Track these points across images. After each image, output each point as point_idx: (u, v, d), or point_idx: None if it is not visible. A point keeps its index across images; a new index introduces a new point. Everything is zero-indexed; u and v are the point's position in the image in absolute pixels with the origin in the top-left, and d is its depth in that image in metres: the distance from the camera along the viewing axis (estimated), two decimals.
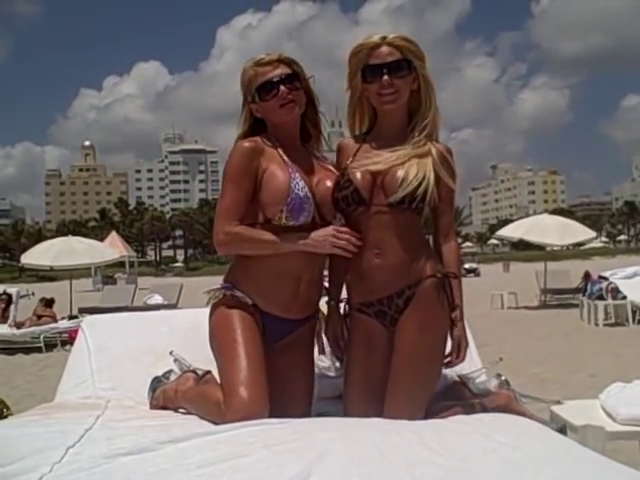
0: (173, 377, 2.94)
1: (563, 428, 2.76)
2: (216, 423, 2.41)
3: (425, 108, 2.69)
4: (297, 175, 2.64)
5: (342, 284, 2.78)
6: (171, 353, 3.08)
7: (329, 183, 2.70)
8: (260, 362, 2.56)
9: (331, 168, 2.79)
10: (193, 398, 2.74)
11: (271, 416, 2.44)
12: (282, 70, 2.68)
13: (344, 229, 2.62)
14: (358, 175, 2.61)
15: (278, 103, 2.66)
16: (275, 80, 2.66)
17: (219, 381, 2.65)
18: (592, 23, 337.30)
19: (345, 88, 2.77)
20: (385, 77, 2.60)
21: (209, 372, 2.81)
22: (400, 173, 2.57)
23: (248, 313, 2.66)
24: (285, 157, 2.67)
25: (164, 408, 2.84)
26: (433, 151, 2.64)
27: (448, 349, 2.67)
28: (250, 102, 2.74)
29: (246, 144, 2.66)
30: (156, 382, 2.96)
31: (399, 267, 2.59)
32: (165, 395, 2.86)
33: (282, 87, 2.65)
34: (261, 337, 2.66)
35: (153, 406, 2.90)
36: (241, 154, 2.64)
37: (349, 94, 2.77)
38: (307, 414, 2.70)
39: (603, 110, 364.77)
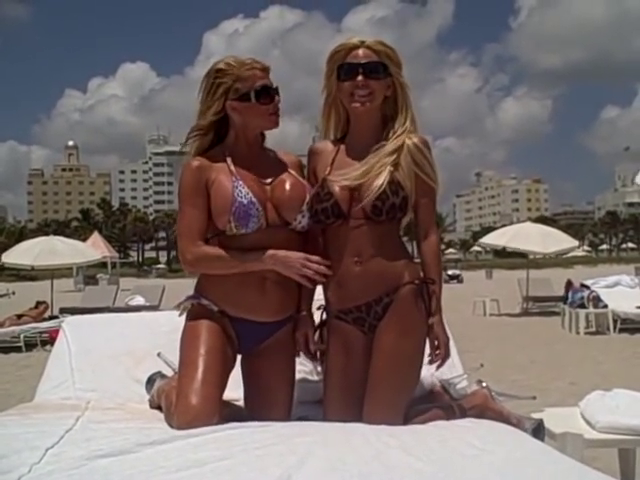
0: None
1: (541, 423, 2.77)
2: (172, 426, 2.44)
3: (401, 115, 2.71)
4: (240, 183, 2.64)
5: (312, 295, 2.77)
6: (159, 355, 3.09)
7: (288, 186, 2.70)
8: (217, 373, 2.56)
9: (292, 171, 2.78)
10: (161, 397, 2.79)
11: (252, 419, 2.44)
12: (272, 81, 2.73)
13: (314, 258, 2.63)
14: (337, 188, 2.61)
15: (271, 110, 2.71)
16: (274, 87, 2.72)
17: None
18: (570, 37, 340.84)
19: (321, 89, 2.77)
20: (360, 77, 2.61)
21: None
22: (376, 184, 2.56)
23: (215, 321, 2.67)
24: (232, 167, 2.69)
25: (159, 406, 2.85)
26: (410, 146, 2.63)
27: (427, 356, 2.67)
28: (234, 99, 2.68)
29: (193, 163, 2.70)
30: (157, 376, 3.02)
31: (377, 275, 2.60)
32: (157, 393, 2.91)
33: (277, 97, 2.72)
34: (230, 344, 2.68)
35: (150, 403, 2.95)
36: (189, 173, 2.70)
37: (324, 95, 2.77)
38: (287, 418, 2.70)
39: (584, 121, 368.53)
